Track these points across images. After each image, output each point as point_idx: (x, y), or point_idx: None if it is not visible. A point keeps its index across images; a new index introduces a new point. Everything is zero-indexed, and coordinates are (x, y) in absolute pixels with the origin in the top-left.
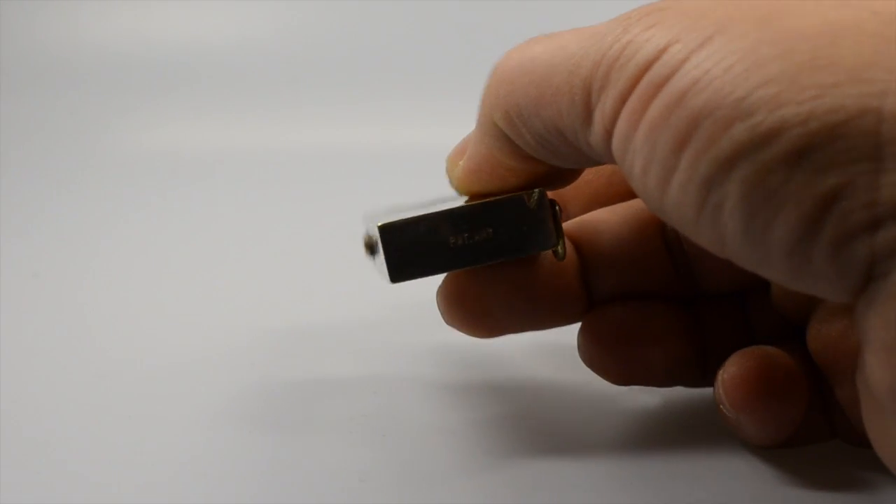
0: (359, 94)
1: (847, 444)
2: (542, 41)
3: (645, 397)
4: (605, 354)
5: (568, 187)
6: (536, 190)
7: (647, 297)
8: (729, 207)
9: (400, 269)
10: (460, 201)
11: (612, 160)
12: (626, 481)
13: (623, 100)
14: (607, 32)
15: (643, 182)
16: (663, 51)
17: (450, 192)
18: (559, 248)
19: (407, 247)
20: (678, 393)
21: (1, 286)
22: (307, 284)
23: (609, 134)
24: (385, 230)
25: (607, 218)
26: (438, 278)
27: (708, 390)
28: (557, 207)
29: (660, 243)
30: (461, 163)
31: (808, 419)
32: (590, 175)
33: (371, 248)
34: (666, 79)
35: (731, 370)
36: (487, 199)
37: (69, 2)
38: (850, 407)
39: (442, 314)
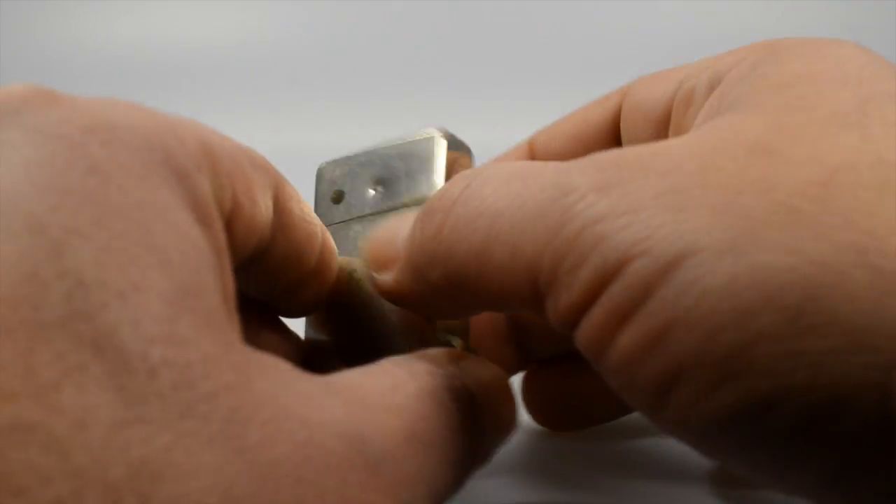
0: (360, 94)
1: None
2: (492, 182)
3: None
4: (548, 413)
5: None
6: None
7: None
8: (732, 459)
9: None
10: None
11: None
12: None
13: (579, 309)
14: (554, 200)
15: (625, 397)
16: (622, 265)
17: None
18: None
19: None
20: None
21: None
22: None
23: (568, 330)
24: None
25: None
26: None
27: None
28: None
29: None
30: (388, 277)
31: None
32: None
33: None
34: (633, 306)
35: None
36: None
37: (69, 2)
38: None
39: None
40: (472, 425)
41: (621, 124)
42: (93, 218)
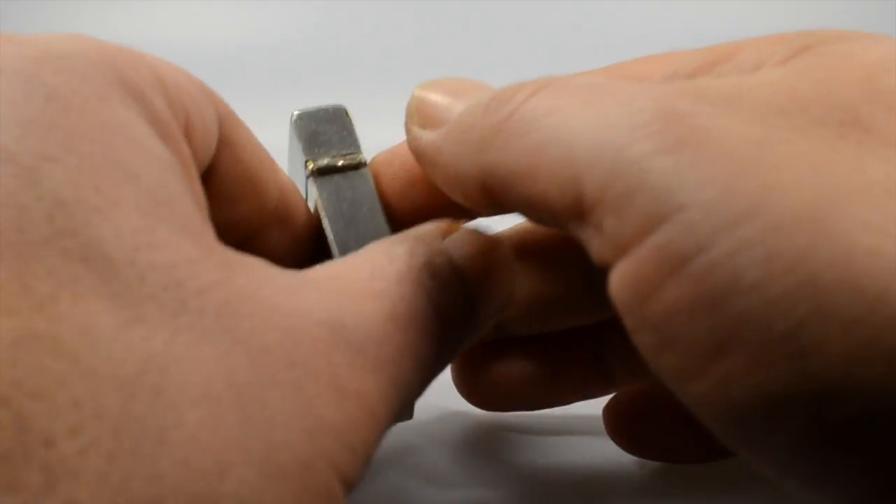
0: (362, 94)
1: None
2: (569, 90)
3: None
4: (481, 390)
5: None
6: None
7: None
8: (762, 451)
9: None
10: None
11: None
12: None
13: (625, 241)
14: (626, 117)
15: (652, 358)
16: (682, 207)
17: None
18: None
19: None
20: None
21: None
22: None
23: (604, 266)
24: None
25: None
26: None
27: None
28: None
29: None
30: (429, 136)
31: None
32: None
33: None
34: (689, 255)
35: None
36: None
37: (70, 2)
38: None
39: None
40: (458, 299)
41: None
42: (59, 143)
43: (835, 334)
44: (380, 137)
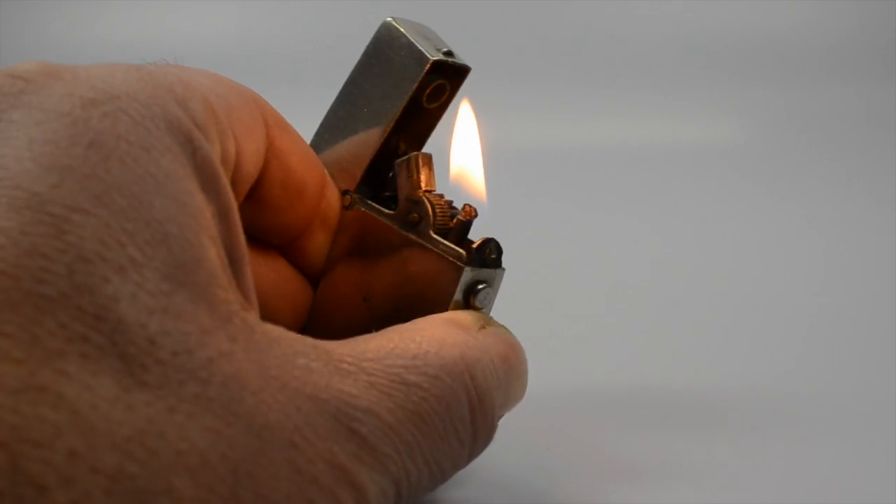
0: None
1: None
2: None
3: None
4: None
5: None
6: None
7: None
8: None
9: None
10: None
11: None
12: None
13: None
14: None
15: None
16: None
17: None
18: None
19: None
20: None
21: None
22: None
23: None
24: None
25: None
26: None
27: None
28: None
29: None
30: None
31: None
32: None
33: None
34: None
35: None
36: None
37: (70, 2)
38: None
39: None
40: (484, 402)
41: None
42: (93, 194)
43: None
44: None
